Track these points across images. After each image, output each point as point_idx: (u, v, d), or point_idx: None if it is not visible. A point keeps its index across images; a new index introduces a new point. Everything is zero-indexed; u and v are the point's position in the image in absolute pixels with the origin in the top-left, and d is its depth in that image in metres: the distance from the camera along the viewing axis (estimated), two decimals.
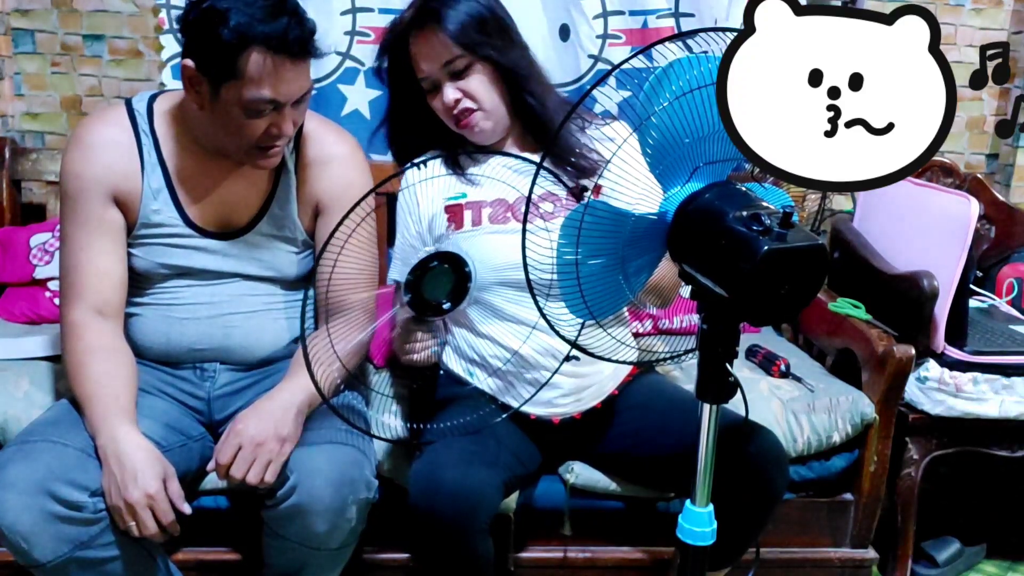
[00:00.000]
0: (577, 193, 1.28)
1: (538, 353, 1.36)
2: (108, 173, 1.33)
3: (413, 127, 1.49)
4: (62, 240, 1.36)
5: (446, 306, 1.20)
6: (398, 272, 1.47)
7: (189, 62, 1.23)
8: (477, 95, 1.38)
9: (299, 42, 1.22)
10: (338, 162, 1.43)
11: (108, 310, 1.34)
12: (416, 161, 1.46)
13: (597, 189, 1.35)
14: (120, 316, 1.37)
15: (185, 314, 1.40)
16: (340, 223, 1.09)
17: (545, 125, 1.42)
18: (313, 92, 1.95)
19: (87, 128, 1.35)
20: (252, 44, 1.19)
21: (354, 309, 1.39)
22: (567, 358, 1.26)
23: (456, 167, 1.46)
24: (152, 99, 1.38)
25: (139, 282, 1.41)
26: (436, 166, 1.47)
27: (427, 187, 1.45)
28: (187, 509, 1.23)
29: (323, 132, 1.45)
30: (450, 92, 1.38)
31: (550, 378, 1.32)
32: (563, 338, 1.08)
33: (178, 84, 1.40)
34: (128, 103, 1.37)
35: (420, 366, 1.32)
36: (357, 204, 1.10)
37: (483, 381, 1.40)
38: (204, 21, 1.20)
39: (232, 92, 1.22)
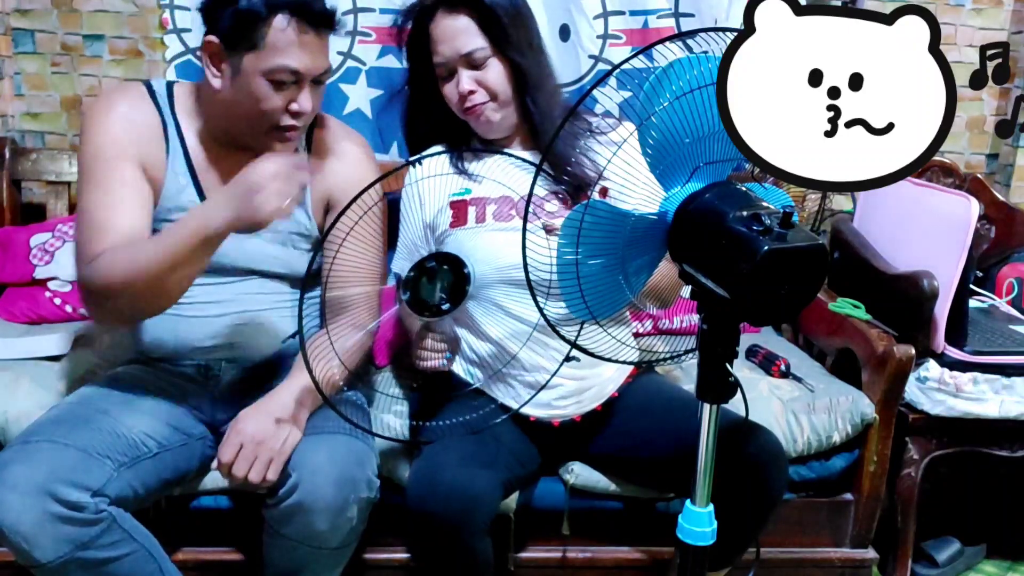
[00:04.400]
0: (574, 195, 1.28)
1: (538, 355, 1.36)
2: (136, 145, 1.32)
3: (426, 115, 1.49)
4: (81, 201, 1.28)
5: (445, 307, 1.20)
6: (400, 267, 1.47)
7: (213, 38, 1.25)
8: (494, 86, 1.38)
9: (322, 14, 1.25)
10: (350, 160, 1.45)
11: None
12: (412, 159, 1.45)
13: (604, 191, 1.36)
14: None
15: (195, 312, 1.40)
16: (337, 218, 1.09)
17: (542, 134, 1.42)
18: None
19: (111, 99, 1.34)
20: (277, 10, 1.22)
21: (357, 307, 1.39)
22: (567, 358, 1.26)
23: (460, 163, 1.46)
24: (170, 85, 1.39)
25: None
26: (440, 163, 1.47)
27: (432, 182, 1.44)
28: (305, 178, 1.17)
29: (336, 130, 1.47)
30: (465, 82, 1.38)
31: (550, 379, 1.32)
32: (563, 338, 1.08)
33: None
34: (148, 84, 1.38)
35: (430, 372, 1.32)
36: (355, 199, 1.10)
37: (484, 382, 1.40)
38: None
39: (255, 62, 1.24)
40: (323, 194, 1.43)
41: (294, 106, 1.28)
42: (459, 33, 1.36)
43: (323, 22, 1.26)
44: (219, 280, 1.41)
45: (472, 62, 1.37)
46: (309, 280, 1.44)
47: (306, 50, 1.25)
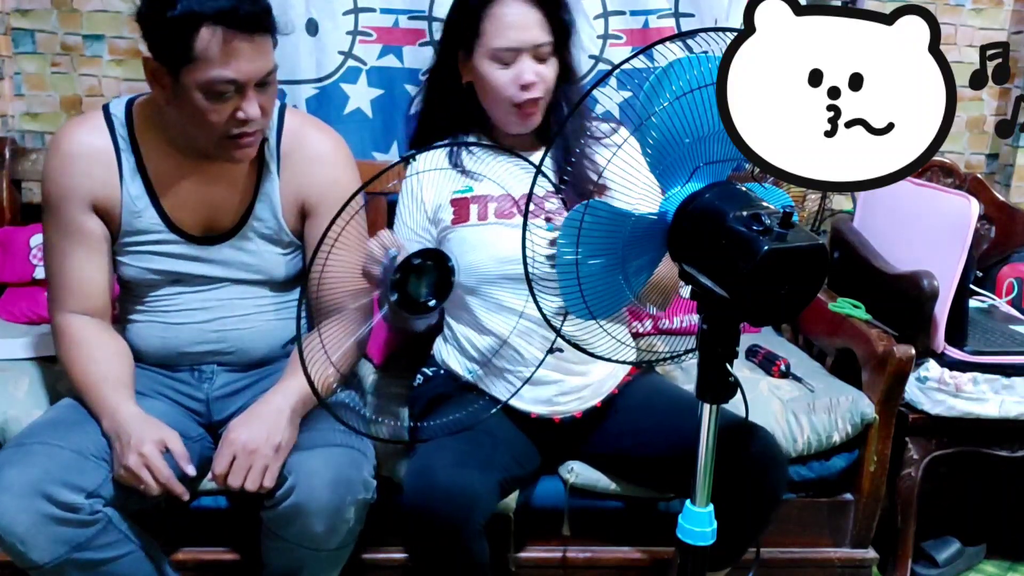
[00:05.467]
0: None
1: (538, 351, 1.36)
2: (86, 182, 1.32)
3: (444, 107, 1.49)
4: (45, 246, 1.37)
5: (431, 303, 1.19)
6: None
7: (148, 54, 1.22)
8: (549, 84, 1.39)
9: (251, 17, 1.20)
10: (322, 160, 1.41)
11: (95, 312, 1.36)
12: (407, 154, 1.45)
13: (602, 190, 1.35)
14: (107, 314, 1.38)
15: (180, 319, 1.40)
16: (332, 223, 1.06)
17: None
18: (314, 92, 1.99)
19: (65, 136, 1.33)
20: (202, 22, 1.17)
21: (349, 308, 1.38)
22: (551, 350, 1.26)
23: (459, 161, 1.45)
24: (130, 103, 1.36)
25: (133, 291, 1.41)
26: (440, 158, 1.46)
27: (433, 176, 1.44)
28: (191, 471, 1.25)
29: (305, 129, 1.42)
30: (531, 73, 1.36)
31: (535, 370, 1.33)
32: (552, 327, 1.08)
33: None
34: (106, 108, 1.36)
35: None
36: (348, 202, 1.09)
37: (482, 378, 1.40)
38: (154, 8, 1.19)
39: (191, 76, 1.20)
40: (296, 196, 1.41)
41: (240, 114, 1.24)
42: (535, 23, 1.37)
43: (253, 26, 1.20)
44: (200, 288, 1.41)
45: (539, 55, 1.38)
46: (298, 282, 1.44)
47: (240, 57, 1.19)
